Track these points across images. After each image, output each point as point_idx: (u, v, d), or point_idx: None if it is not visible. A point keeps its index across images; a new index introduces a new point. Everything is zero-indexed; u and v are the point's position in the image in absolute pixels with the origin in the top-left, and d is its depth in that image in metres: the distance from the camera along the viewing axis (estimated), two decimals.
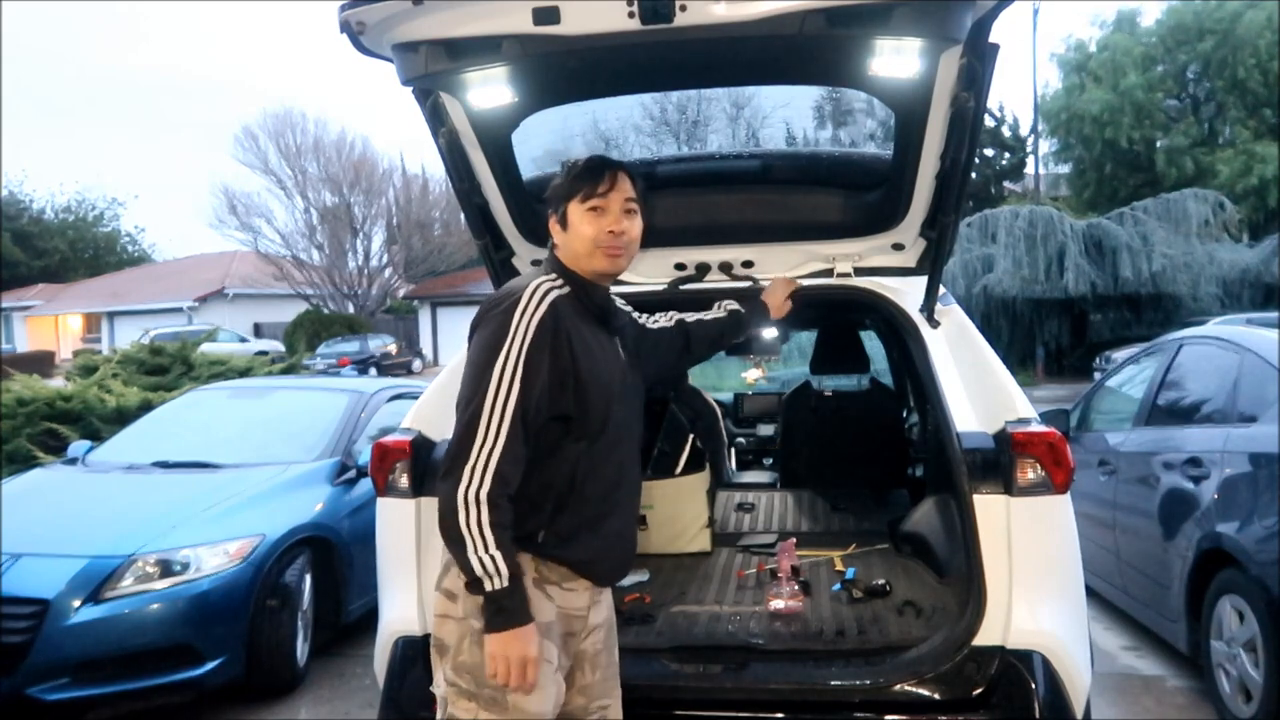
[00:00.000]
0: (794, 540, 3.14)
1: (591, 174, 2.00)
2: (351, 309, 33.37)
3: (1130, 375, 5.16)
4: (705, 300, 2.67)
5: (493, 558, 1.79)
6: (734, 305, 2.65)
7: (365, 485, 4.74)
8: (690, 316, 2.55)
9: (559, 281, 1.98)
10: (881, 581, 2.90)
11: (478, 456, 1.81)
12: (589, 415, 1.93)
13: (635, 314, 2.35)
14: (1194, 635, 3.86)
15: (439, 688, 1.97)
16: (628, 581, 2.99)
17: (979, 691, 2.32)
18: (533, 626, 1.85)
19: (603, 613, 2.11)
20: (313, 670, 4.47)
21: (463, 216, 3.17)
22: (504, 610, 1.81)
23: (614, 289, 2.20)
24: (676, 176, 3.12)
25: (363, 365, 24.94)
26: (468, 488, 1.80)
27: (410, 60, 2.13)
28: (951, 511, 2.76)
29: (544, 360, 1.86)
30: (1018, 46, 40.29)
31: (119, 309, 36.63)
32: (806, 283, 3.21)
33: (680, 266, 3.24)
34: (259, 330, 33.84)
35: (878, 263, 3.16)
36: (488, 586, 1.80)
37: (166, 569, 3.89)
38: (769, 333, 5.55)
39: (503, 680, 1.83)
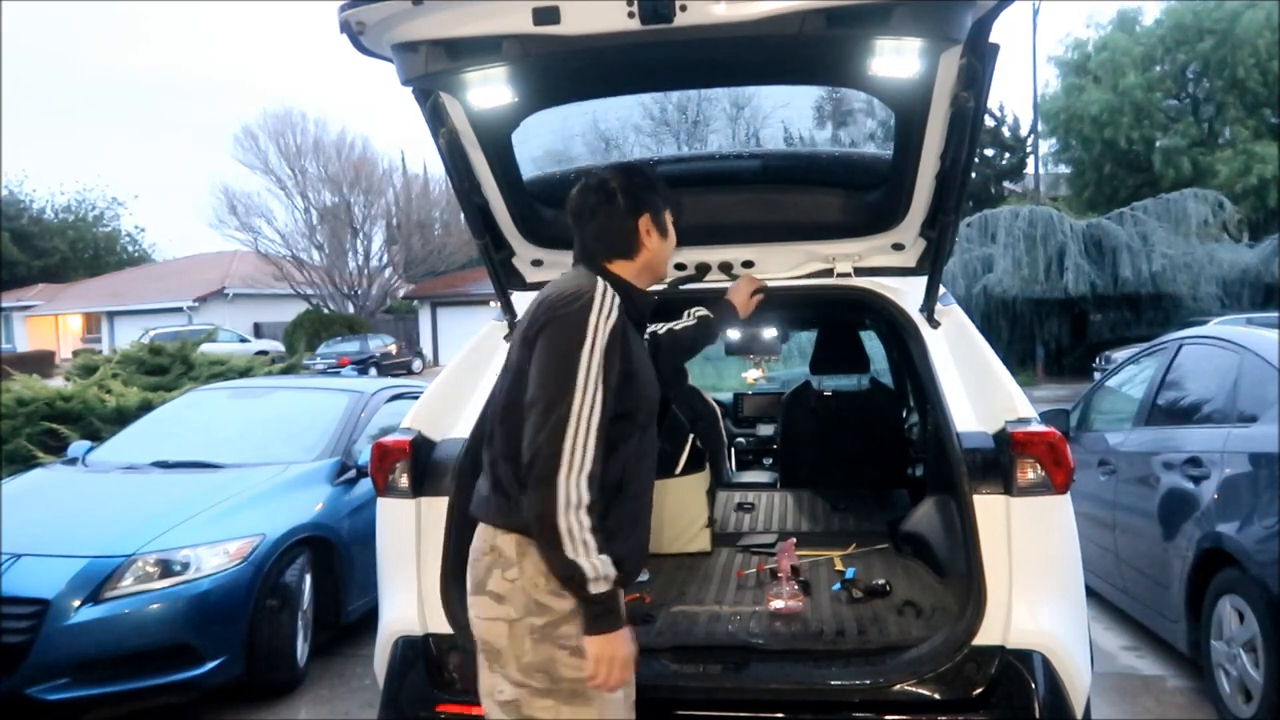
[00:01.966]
0: (794, 540, 3.14)
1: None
2: (351, 309, 33.38)
3: (1130, 375, 5.16)
4: (674, 308, 2.66)
5: (602, 561, 1.80)
6: (703, 311, 2.66)
7: (365, 485, 4.74)
8: (661, 327, 2.55)
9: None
10: (881, 581, 2.90)
11: (570, 463, 1.79)
12: (639, 413, 1.96)
13: None
14: (1194, 635, 3.86)
15: (499, 694, 1.92)
16: None
17: (979, 691, 2.32)
18: (629, 627, 1.88)
19: None
20: (313, 670, 4.47)
21: (463, 216, 3.17)
22: (610, 612, 1.83)
23: None
24: (676, 177, 3.12)
25: (363, 365, 24.95)
26: (568, 497, 1.79)
27: (410, 60, 2.13)
28: (951, 511, 2.76)
29: (615, 362, 1.88)
30: (1018, 46, 40.28)
31: (119, 309, 36.64)
32: (807, 282, 3.21)
33: (680, 266, 3.23)
34: (259, 330, 33.83)
35: (878, 263, 3.16)
36: (593, 590, 1.80)
37: (166, 569, 3.89)
38: (769, 332, 5.57)
39: (602, 681, 1.83)
